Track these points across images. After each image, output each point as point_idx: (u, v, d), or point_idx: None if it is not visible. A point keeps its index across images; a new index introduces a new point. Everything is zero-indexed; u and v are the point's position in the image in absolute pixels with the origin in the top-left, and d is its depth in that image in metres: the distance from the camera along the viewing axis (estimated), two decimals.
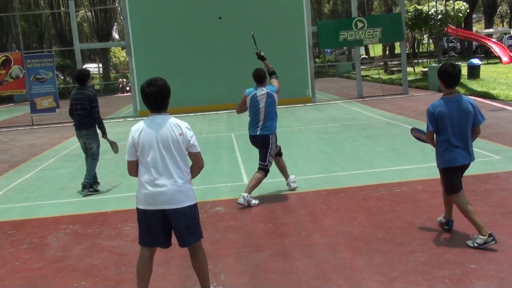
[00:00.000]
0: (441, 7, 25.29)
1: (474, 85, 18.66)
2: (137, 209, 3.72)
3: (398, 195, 6.36)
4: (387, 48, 52.96)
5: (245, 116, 6.90)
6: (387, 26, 19.01)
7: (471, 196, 5.72)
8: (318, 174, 7.81)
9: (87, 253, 5.19)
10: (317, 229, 5.35)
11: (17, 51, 31.78)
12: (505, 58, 25.03)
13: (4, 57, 18.19)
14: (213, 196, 6.99)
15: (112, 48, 56.62)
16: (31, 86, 18.04)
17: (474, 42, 37.88)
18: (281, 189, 7.08)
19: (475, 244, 4.50)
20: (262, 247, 4.96)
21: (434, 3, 24.67)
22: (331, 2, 57.73)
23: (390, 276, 4.11)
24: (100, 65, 45.66)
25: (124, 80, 36.69)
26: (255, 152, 6.82)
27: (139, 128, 3.66)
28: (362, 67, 30.08)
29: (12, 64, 18.06)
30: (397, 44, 43.27)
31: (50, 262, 5.00)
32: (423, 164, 7.79)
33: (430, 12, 25.95)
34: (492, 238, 4.43)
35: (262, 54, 6.92)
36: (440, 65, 5.40)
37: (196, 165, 3.80)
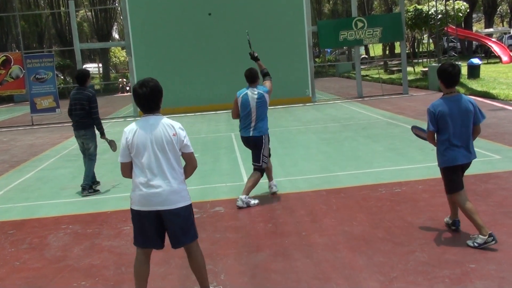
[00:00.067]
0: (441, 7, 25.28)
1: (474, 84, 18.66)
2: (132, 210, 3.71)
3: (398, 194, 6.36)
4: (387, 48, 52.99)
5: None
6: (387, 25, 19.00)
7: (471, 196, 5.72)
8: (318, 174, 7.81)
9: (87, 253, 5.19)
10: (317, 229, 5.35)
11: (17, 51, 31.79)
12: (505, 58, 25.04)
13: (4, 57, 18.19)
14: (212, 196, 6.99)
15: (112, 48, 56.62)
16: (31, 86, 18.04)
17: (474, 42, 37.90)
18: (281, 189, 7.08)
19: (475, 244, 4.50)
20: (262, 247, 4.96)
21: (434, 2, 24.66)
22: (331, 2, 57.73)
23: (390, 275, 4.11)
24: (100, 65, 45.66)
25: (124, 80, 36.71)
26: None
27: (133, 129, 3.65)
28: (362, 67, 30.08)
29: (12, 64, 18.06)
30: (397, 44, 43.30)
31: (50, 262, 5.01)
32: (423, 164, 7.79)
33: (430, 12, 25.95)
34: (492, 238, 4.43)
35: (256, 55, 6.92)
36: (440, 65, 5.40)
37: (189, 165, 3.79)
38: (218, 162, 9.32)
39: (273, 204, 6.36)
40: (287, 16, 18.89)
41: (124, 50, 39.97)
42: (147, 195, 3.59)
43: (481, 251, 4.41)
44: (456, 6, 26.38)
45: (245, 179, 7.70)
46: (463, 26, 38.09)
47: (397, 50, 46.12)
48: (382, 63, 38.40)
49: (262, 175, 6.58)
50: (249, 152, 6.75)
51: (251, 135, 6.47)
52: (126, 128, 3.72)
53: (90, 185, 7.61)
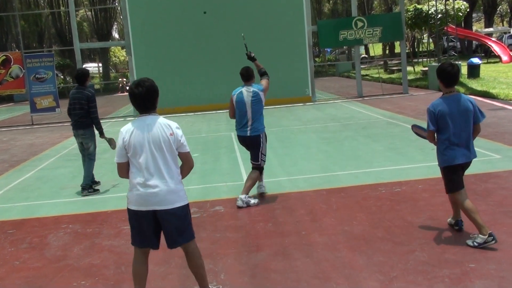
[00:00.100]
0: (441, 6, 25.28)
1: (474, 84, 18.66)
2: (128, 209, 3.71)
3: (398, 194, 6.36)
4: (387, 48, 52.96)
5: None
6: (387, 25, 19.00)
7: (471, 195, 5.71)
8: (318, 174, 7.81)
9: (87, 252, 5.19)
10: (317, 228, 5.35)
11: (17, 50, 31.77)
12: (505, 57, 25.02)
13: (4, 57, 18.18)
14: (212, 196, 6.99)
15: (112, 47, 56.61)
16: (31, 86, 18.04)
17: (474, 41, 37.89)
18: (281, 188, 7.08)
19: (475, 243, 4.50)
20: (262, 247, 4.96)
21: (434, 2, 24.66)
22: (331, 2, 57.72)
23: (390, 275, 4.11)
24: (100, 65, 45.66)
25: (124, 79, 36.71)
26: None
27: (129, 129, 3.64)
28: (362, 66, 30.08)
29: (12, 64, 18.06)
30: (397, 44, 43.29)
31: (50, 262, 5.01)
32: (423, 163, 7.78)
33: (430, 12, 25.94)
34: (492, 237, 4.43)
35: (252, 55, 6.92)
36: (439, 64, 5.41)
37: (186, 165, 3.79)
38: (218, 161, 9.33)
39: (273, 204, 6.36)
40: (287, 16, 18.89)
41: (124, 50, 39.97)
42: (144, 195, 3.59)
43: (481, 251, 4.42)
44: (456, 6, 26.38)
45: (245, 179, 7.70)
46: (463, 25, 38.09)
47: (397, 49, 46.09)
48: (382, 62, 38.41)
49: (261, 174, 6.59)
50: (248, 152, 6.75)
51: (248, 135, 6.47)
52: (122, 128, 3.71)
53: (90, 185, 7.61)
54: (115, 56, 60.57)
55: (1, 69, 18.03)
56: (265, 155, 6.61)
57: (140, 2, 18.85)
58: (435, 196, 6.07)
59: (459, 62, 20.43)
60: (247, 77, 6.51)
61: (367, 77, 29.44)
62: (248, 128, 6.45)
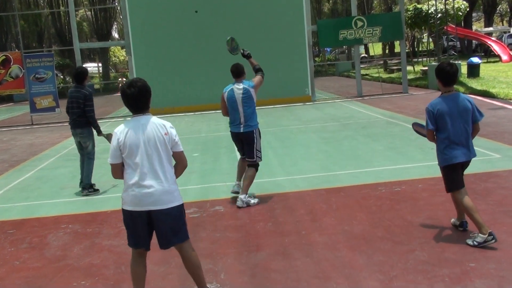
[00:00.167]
0: (440, 6, 25.29)
1: (474, 83, 18.66)
2: (123, 210, 3.70)
3: (398, 194, 6.36)
4: (387, 47, 52.93)
5: None
6: (386, 25, 18.99)
7: (471, 195, 5.70)
8: (318, 173, 7.81)
9: (87, 252, 5.19)
10: (317, 228, 5.35)
11: (16, 50, 31.76)
12: (504, 57, 25.00)
13: (4, 57, 18.17)
14: (212, 195, 6.99)
15: (112, 47, 56.60)
16: (30, 86, 18.03)
17: (473, 41, 37.87)
18: (280, 188, 7.08)
19: (474, 242, 4.50)
20: (262, 246, 4.96)
21: (434, 1, 24.66)
22: (330, 1, 57.70)
23: (390, 274, 4.11)
24: (100, 65, 45.64)
25: (124, 79, 36.69)
26: None
27: (124, 130, 3.63)
28: (361, 66, 30.07)
29: (11, 64, 18.04)
30: (396, 43, 43.27)
31: (50, 262, 5.01)
32: (423, 163, 7.79)
33: (429, 11, 25.93)
34: (492, 237, 4.43)
35: (246, 53, 6.91)
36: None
37: (180, 164, 3.78)
38: (218, 161, 9.32)
39: (273, 203, 6.36)
40: (287, 15, 18.88)
41: (124, 50, 39.97)
42: (140, 195, 3.58)
43: (480, 250, 4.42)
44: (456, 5, 26.38)
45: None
46: (462, 25, 38.07)
47: (397, 49, 46.07)
48: (381, 62, 38.40)
49: (257, 171, 6.56)
50: None
51: (241, 131, 6.47)
52: (116, 129, 3.70)
53: (90, 185, 7.61)
54: (115, 56, 60.56)
55: (1, 69, 18.02)
56: (260, 152, 6.57)
57: (140, 2, 18.83)
58: (435, 195, 6.07)
59: (459, 62, 20.48)
60: (237, 74, 6.51)
61: (367, 76, 29.42)
62: (241, 125, 6.46)
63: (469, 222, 4.72)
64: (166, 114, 17.08)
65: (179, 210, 3.71)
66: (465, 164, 4.78)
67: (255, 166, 6.54)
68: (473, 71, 20.75)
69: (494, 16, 55.73)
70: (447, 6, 25.70)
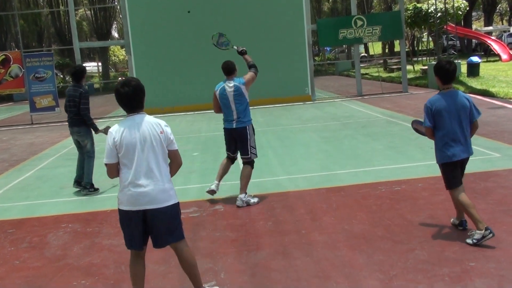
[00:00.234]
0: (440, 5, 25.27)
1: (473, 83, 18.66)
2: (120, 210, 3.69)
3: (398, 193, 6.36)
4: (387, 46, 52.91)
5: None
6: (386, 24, 18.99)
7: (471, 194, 5.73)
8: (318, 172, 7.81)
9: (86, 251, 5.19)
10: (317, 227, 5.35)
11: (16, 50, 31.76)
12: (504, 56, 25.00)
13: (4, 56, 18.16)
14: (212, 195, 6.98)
15: (112, 46, 56.56)
16: (30, 85, 18.02)
17: (473, 40, 37.86)
18: (280, 187, 7.08)
19: (474, 240, 4.51)
20: (262, 245, 4.96)
21: (433, 1, 24.65)
22: (330, 0, 57.67)
23: (390, 274, 4.11)
24: (100, 64, 45.61)
25: (124, 78, 36.63)
26: None
27: (119, 129, 3.62)
28: (361, 65, 30.06)
29: (11, 63, 18.03)
30: (396, 42, 43.23)
31: (50, 261, 5.01)
32: (423, 162, 7.79)
33: (429, 10, 25.91)
34: (489, 231, 4.44)
35: (240, 50, 6.92)
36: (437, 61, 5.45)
37: (175, 163, 3.78)
38: (218, 160, 9.26)
39: (273, 203, 6.36)
40: (286, 15, 18.87)
41: (124, 49, 39.97)
42: (136, 194, 3.58)
43: (480, 249, 4.42)
44: (456, 4, 26.36)
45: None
46: (462, 24, 38.05)
47: (397, 48, 46.06)
48: (381, 61, 38.39)
49: (252, 168, 6.55)
50: None
51: (234, 127, 6.47)
52: (111, 128, 3.69)
53: (91, 184, 7.59)
54: (114, 55, 60.49)
55: (1, 68, 18.00)
56: (255, 148, 6.56)
57: (139, 1, 18.82)
58: (434, 194, 6.07)
59: (459, 61, 20.49)
60: (228, 71, 6.55)
61: (367, 76, 29.42)
62: (234, 121, 6.47)
63: (469, 221, 4.73)
64: (166, 113, 17.09)
65: (176, 209, 3.70)
66: (465, 161, 4.80)
67: (250, 163, 6.53)
68: (473, 70, 20.74)
69: (494, 15, 55.71)
70: (447, 5, 25.68)
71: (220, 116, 6.80)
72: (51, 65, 18.28)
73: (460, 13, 27.78)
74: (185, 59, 18.53)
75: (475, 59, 21.41)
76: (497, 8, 55.81)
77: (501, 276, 3.92)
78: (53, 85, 18.25)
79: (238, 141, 6.54)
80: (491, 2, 45.79)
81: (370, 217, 5.52)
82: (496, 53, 26.43)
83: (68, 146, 12.27)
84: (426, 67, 23.43)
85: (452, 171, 4.74)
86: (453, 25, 25.64)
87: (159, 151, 3.62)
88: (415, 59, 32.83)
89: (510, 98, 14.67)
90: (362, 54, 44.67)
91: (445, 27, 25.31)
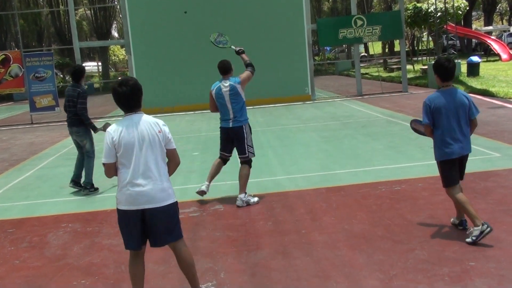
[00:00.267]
0: (440, 5, 25.27)
1: (473, 82, 18.66)
2: (118, 210, 3.69)
3: (398, 193, 6.36)
4: (387, 46, 52.93)
5: None
6: (386, 24, 18.99)
7: (471, 194, 5.74)
8: (318, 172, 7.81)
9: (86, 251, 5.19)
10: (317, 227, 5.35)
11: (16, 49, 31.75)
12: (504, 56, 25.01)
13: (3, 56, 18.16)
14: (212, 194, 6.98)
15: (111, 46, 56.57)
16: (30, 85, 18.03)
17: (473, 40, 37.86)
18: (280, 187, 7.08)
19: (473, 238, 4.50)
20: (262, 245, 4.96)
21: (433, 0, 24.64)
22: (330, 0, 57.69)
23: (390, 273, 4.11)
24: (100, 64, 45.60)
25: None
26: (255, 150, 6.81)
27: (117, 129, 3.62)
28: (361, 65, 30.06)
29: (11, 63, 18.04)
30: (396, 42, 43.25)
31: (50, 261, 5.01)
32: (423, 162, 7.79)
33: (429, 10, 25.91)
34: (486, 225, 4.45)
35: (237, 49, 6.93)
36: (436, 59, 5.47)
37: (173, 162, 3.78)
38: None
39: (273, 202, 6.37)
40: (286, 15, 18.88)
41: (124, 49, 39.95)
42: (134, 194, 3.58)
43: (480, 249, 4.42)
44: (456, 4, 26.36)
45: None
46: (462, 24, 38.06)
47: (397, 48, 46.07)
48: (381, 61, 38.39)
49: (250, 167, 6.54)
50: None
51: (230, 126, 6.48)
52: (109, 128, 3.69)
53: (91, 184, 7.59)
54: (114, 55, 60.49)
55: (1, 68, 18.01)
56: (252, 147, 6.56)
57: (139, 1, 18.82)
58: (434, 194, 6.07)
59: (459, 60, 20.48)
60: (224, 70, 6.55)
61: (367, 75, 29.42)
62: (230, 121, 6.48)
63: (469, 221, 4.72)
64: (166, 113, 17.10)
65: (174, 208, 3.70)
66: (464, 159, 4.80)
67: (248, 163, 6.52)
68: (473, 70, 20.74)
69: (494, 15, 55.71)
70: (446, 5, 25.68)
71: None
72: (51, 65, 18.29)
73: (460, 12, 27.78)
74: (185, 59, 18.53)
75: (475, 58, 21.41)
76: (497, 7, 55.82)
77: (501, 276, 3.92)
78: (53, 84, 18.26)
79: (235, 140, 6.55)
80: (491, 2, 45.79)
81: (370, 217, 5.52)
82: (496, 52, 26.45)
83: (68, 146, 12.26)
84: (426, 67, 23.43)
85: (450, 168, 4.75)
86: (453, 25, 25.65)
87: (157, 150, 3.62)
88: (415, 58, 32.85)
89: (510, 98, 14.67)
90: (362, 54, 44.68)
91: (445, 26, 25.32)
